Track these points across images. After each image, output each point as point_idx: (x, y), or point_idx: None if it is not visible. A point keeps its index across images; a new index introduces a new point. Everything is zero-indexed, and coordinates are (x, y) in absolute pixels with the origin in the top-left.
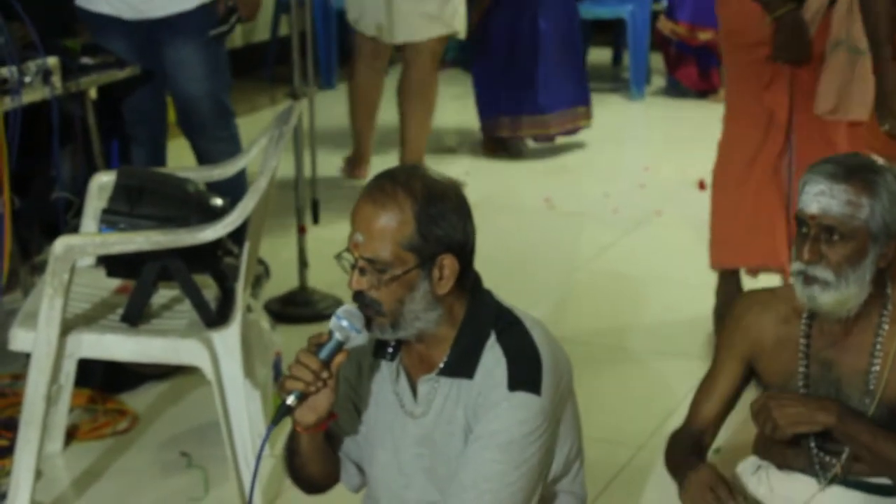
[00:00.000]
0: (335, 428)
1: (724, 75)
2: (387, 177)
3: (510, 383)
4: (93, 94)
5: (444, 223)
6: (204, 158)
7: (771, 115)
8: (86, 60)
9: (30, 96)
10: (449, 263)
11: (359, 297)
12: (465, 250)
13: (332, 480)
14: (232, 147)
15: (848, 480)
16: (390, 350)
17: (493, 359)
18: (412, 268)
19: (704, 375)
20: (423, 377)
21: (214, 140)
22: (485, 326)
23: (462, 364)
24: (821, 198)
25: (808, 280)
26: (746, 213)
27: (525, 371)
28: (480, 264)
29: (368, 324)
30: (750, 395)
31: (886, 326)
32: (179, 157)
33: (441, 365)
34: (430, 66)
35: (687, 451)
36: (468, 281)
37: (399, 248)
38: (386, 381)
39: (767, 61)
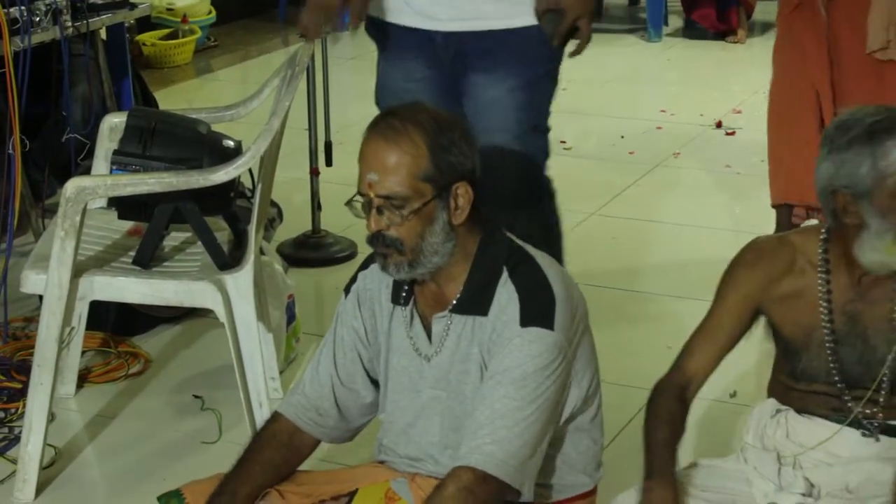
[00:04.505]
0: (339, 389)
1: None
2: (391, 115)
3: (522, 319)
4: (103, 34)
5: (455, 150)
6: None
7: (801, 42)
8: (95, 0)
9: (39, 37)
10: (464, 192)
11: (377, 238)
12: (476, 178)
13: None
14: None
15: (861, 423)
16: (404, 294)
17: (506, 296)
18: (430, 199)
19: (702, 321)
20: (436, 315)
21: None
22: (497, 262)
23: (475, 301)
24: None
25: None
26: (793, 146)
27: (537, 307)
28: None
29: (385, 264)
30: (757, 343)
31: None
32: (188, 100)
33: (454, 302)
34: None
35: (671, 404)
36: (479, 215)
37: (416, 180)
38: (401, 327)
39: None
